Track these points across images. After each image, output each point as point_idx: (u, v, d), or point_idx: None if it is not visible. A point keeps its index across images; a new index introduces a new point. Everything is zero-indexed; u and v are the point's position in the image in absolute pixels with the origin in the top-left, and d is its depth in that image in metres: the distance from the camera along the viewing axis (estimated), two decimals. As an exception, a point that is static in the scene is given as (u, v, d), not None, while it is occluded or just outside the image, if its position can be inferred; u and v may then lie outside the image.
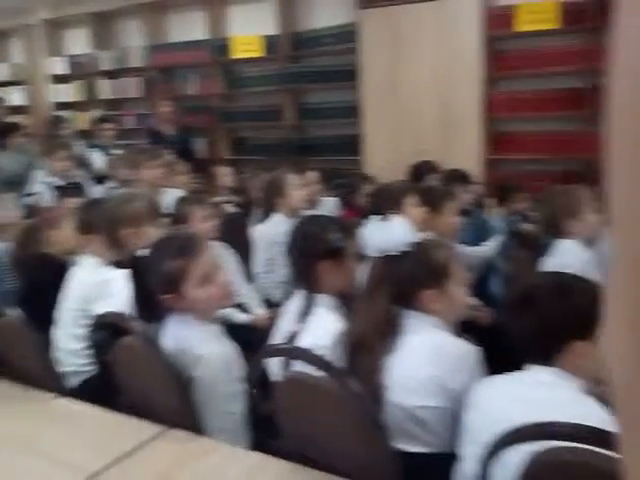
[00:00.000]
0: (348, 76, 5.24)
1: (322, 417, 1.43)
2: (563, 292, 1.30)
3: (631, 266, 0.36)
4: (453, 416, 1.46)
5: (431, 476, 1.49)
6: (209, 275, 1.67)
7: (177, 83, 6.41)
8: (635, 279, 0.35)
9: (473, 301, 2.96)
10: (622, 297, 0.37)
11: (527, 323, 1.32)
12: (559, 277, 1.39)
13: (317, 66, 5.61)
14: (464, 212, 3.37)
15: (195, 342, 1.62)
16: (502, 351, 1.35)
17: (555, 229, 2.41)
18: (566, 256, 2.30)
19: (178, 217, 2.74)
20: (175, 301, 1.66)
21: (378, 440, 1.36)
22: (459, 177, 3.76)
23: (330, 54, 5.49)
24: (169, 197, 3.30)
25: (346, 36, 5.25)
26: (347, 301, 1.80)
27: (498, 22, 4.69)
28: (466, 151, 4.81)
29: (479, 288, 3.06)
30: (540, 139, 4.76)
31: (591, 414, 1.18)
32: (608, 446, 1.07)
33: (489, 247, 3.21)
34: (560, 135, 4.68)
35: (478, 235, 3.37)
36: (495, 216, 3.71)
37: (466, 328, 2.32)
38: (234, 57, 5.94)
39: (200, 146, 6.01)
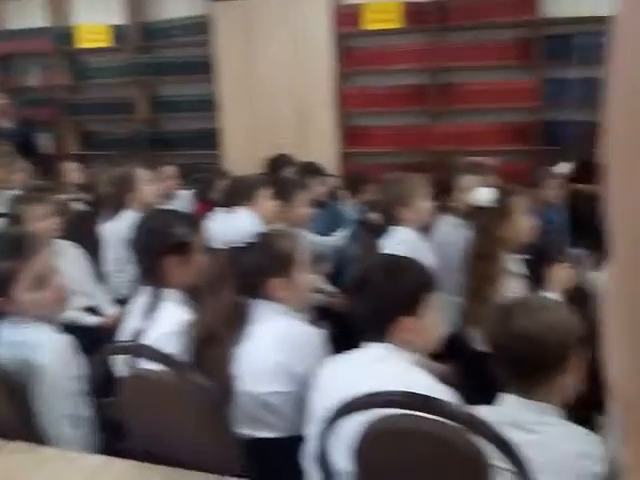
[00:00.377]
0: (203, 69, 5.17)
1: (167, 412, 1.41)
2: (390, 273, 1.40)
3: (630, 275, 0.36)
4: (301, 399, 1.52)
5: (283, 459, 1.53)
6: (43, 277, 1.57)
7: (16, 73, 5.95)
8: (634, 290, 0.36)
9: (329, 288, 3.08)
10: (621, 303, 0.37)
11: (362, 303, 1.40)
12: (387, 260, 1.50)
13: (169, 57, 5.47)
14: (319, 204, 3.48)
15: (31, 346, 1.53)
16: (355, 335, 1.43)
17: (390, 216, 2.55)
18: (396, 243, 2.43)
19: (13, 217, 2.55)
20: (5, 304, 1.55)
21: (224, 430, 1.37)
22: (313, 170, 3.87)
23: (182, 46, 5.37)
24: (6, 197, 3.06)
25: (199, 28, 5.17)
26: (195, 295, 1.79)
27: (346, 20, 4.86)
28: (321, 144, 4.95)
29: (336, 276, 3.18)
30: (389, 133, 5.02)
31: (420, 383, 1.28)
32: (436, 412, 1.17)
33: (338, 237, 3.35)
34: (406, 129, 4.97)
35: (332, 225, 3.50)
36: (348, 207, 3.87)
37: (323, 315, 2.41)
38: (79, 47, 5.62)
39: (44, 141, 5.61)
